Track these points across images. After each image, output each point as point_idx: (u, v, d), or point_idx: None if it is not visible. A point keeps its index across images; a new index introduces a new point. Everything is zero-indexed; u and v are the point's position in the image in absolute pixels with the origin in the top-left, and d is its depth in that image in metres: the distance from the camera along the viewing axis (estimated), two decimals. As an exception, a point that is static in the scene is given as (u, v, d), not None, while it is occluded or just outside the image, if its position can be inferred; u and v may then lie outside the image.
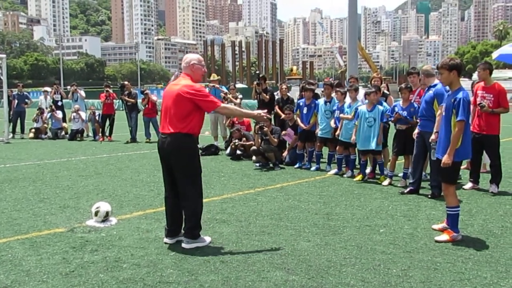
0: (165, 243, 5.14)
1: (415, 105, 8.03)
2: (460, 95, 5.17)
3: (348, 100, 9.27)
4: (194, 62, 5.14)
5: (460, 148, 5.21)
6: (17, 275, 4.28)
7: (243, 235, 5.44)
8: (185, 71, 5.19)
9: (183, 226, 5.12)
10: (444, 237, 5.23)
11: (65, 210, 6.58)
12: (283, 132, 10.67)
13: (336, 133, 9.25)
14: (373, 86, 9.03)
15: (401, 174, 8.42)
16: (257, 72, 15.36)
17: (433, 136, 6.55)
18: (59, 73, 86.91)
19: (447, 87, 5.56)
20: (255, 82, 12.75)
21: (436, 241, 5.17)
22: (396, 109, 8.19)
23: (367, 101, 8.89)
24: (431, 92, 7.28)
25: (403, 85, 8.42)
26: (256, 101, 12.84)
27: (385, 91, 9.56)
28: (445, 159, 5.19)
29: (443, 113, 5.36)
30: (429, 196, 7.30)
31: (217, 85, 13.84)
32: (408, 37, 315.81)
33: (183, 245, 5.02)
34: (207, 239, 5.14)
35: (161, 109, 5.27)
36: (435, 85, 7.32)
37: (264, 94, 12.02)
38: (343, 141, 9.14)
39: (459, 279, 4.17)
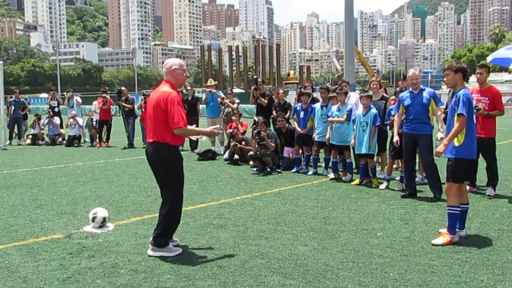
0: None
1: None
2: (460, 92, 5.36)
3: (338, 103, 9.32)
4: (175, 67, 5.05)
5: (464, 146, 5.31)
6: (14, 282, 4.27)
7: (241, 239, 5.44)
8: (166, 77, 5.10)
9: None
10: (441, 239, 5.24)
11: (62, 216, 6.57)
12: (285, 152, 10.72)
13: (326, 137, 9.29)
14: (362, 92, 9.09)
15: (398, 178, 8.44)
16: (254, 76, 15.39)
17: (440, 135, 6.76)
18: (56, 79, 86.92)
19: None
20: (252, 87, 12.76)
21: (433, 245, 5.18)
22: (392, 112, 8.21)
23: (361, 105, 8.94)
24: (425, 94, 7.33)
25: (397, 89, 8.48)
26: (254, 105, 12.85)
27: (385, 95, 9.57)
28: (439, 148, 5.41)
29: (448, 114, 5.52)
30: (434, 199, 7.30)
31: (214, 90, 13.88)
32: (404, 41, 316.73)
33: (148, 251, 4.97)
34: (176, 250, 4.98)
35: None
36: (424, 89, 7.44)
37: (262, 99, 12.03)
38: (336, 145, 9.18)
39: (456, 282, 4.18)
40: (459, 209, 5.34)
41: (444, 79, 5.76)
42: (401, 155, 8.10)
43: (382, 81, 17.81)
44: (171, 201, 4.96)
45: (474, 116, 7.71)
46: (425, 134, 7.31)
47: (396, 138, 7.59)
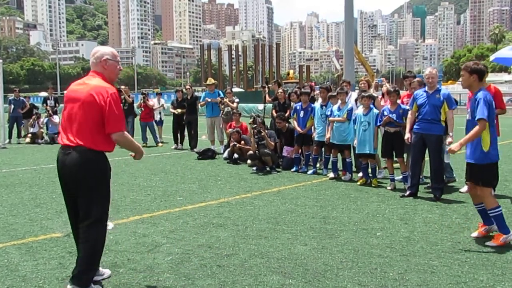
0: None
1: (402, 107, 8.11)
2: (479, 94, 5.21)
3: (338, 102, 9.31)
4: (107, 57, 4.05)
5: (491, 151, 5.25)
6: (13, 281, 4.26)
7: (240, 239, 5.43)
8: (94, 68, 4.08)
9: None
10: (495, 242, 5.20)
11: (62, 215, 6.56)
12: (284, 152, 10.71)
13: (326, 137, 9.29)
14: (361, 91, 9.08)
15: (398, 177, 8.44)
16: (266, 76, 15.45)
17: (449, 139, 6.71)
18: (56, 78, 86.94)
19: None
20: (263, 85, 12.80)
21: (488, 245, 5.14)
22: (385, 113, 8.21)
23: (359, 105, 8.95)
24: (439, 96, 7.26)
25: (390, 89, 8.46)
26: (263, 105, 12.78)
27: (373, 94, 9.54)
28: (455, 146, 5.25)
29: (469, 117, 5.38)
30: (434, 199, 7.30)
31: (215, 100, 13.84)
32: (404, 40, 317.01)
33: None
34: None
35: (62, 114, 4.18)
36: (440, 89, 7.36)
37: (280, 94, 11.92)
38: (336, 144, 9.17)
39: (455, 282, 4.18)
40: (500, 208, 5.28)
41: (460, 79, 5.65)
42: (392, 154, 8.16)
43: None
44: (101, 220, 4.02)
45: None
46: (434, 134, 7.21)
47: (407, 135, 7.57)
